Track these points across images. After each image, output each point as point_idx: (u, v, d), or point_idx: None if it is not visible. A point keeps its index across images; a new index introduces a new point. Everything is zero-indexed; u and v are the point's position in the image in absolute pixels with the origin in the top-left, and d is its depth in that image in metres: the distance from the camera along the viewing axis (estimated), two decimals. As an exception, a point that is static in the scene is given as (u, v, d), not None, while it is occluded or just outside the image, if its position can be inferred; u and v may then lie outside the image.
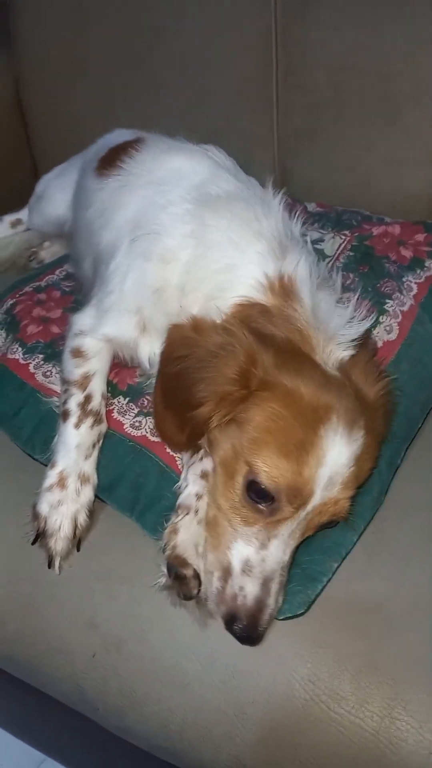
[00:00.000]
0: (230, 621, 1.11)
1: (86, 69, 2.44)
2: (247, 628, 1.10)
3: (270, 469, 1.09)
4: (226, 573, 1.14)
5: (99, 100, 2.45)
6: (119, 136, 1.89)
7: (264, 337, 1.18)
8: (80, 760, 1.87)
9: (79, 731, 1.58)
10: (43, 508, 1.29)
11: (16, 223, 2.28)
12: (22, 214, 2.26)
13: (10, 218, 2.29)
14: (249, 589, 1.11)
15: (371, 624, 1.17)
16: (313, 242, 1.66)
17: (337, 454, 1.10)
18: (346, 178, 2.18)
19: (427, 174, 2.08)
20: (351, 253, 1.70)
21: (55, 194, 2.04)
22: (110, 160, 1.71)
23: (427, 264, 1.67)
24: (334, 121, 2.14)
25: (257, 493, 1.12)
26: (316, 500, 1.11)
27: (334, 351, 1.22)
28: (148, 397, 1.43)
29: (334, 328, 1.24)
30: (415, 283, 1.62)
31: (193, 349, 1.18)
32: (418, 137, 2.05)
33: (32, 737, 1.94)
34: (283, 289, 1.26)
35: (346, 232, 1.77)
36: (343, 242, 1.74)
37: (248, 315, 1.25)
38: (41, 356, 1.56)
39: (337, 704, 1.11)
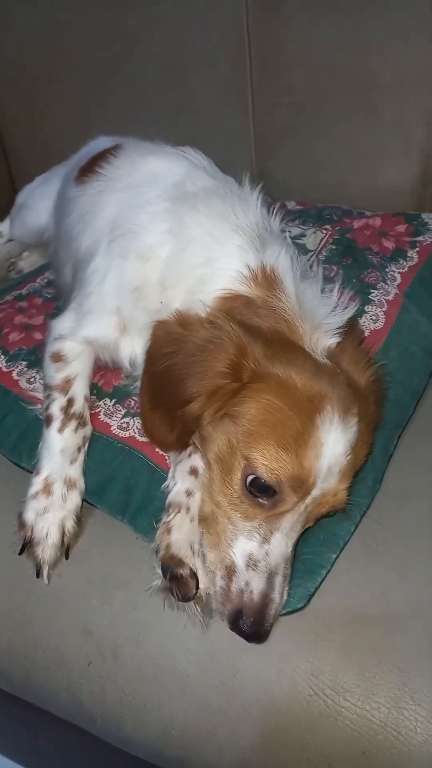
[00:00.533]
0: (236, 619, 1.08)
1: (62, 80, 2.44)
2: (254, 624, 1.07)
3: (269, 462, 1.07)
4: (230, 570, 1.11)
5: (76, 110, 2.45)
6: (101, 143, 1.88)
7: (251, 329, 1.16)
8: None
9: (74, 748, 1.53)
10: (29, 516, 1.26)
11: (-4, 236, 2.27)
12: (2, 227, 2.26)
13: (-11, 230, 2.28)
14: (255, 585, 1.08)
15: (374, 614, 1.14)
16: (295, 238, 1.66)
17: (334, 442, 1.08)
18: (326, 175, 2.18)
19: (407, 166, 2.08)
20: (333, 247, 1.69)
21: (37, 203, 2.03)
22: (89, 168, 1.70)
23: (409, 254, 1.67)
24: (313, 117, 2.14)
25: (258, 487, 1.09)
26: (316, 491, 1.09)
27: (321, 339, 1.20)
28: (134, 398, 1.40)
29: (320, 317, 1.22)
30: (399, 272, 1.62)
31: (180, 345, 1.16)
32: (397, 129, 2.05)
33: (25, 758, 1.88)
34: (266, 279, 1.24)
35: (327, 227, 1.77)
36: (325, 236, 1.73)
37: (232, 307, 1.23)
38: (24, 363, 1.54)
39: (342, 697, 1.08)
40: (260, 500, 1.10)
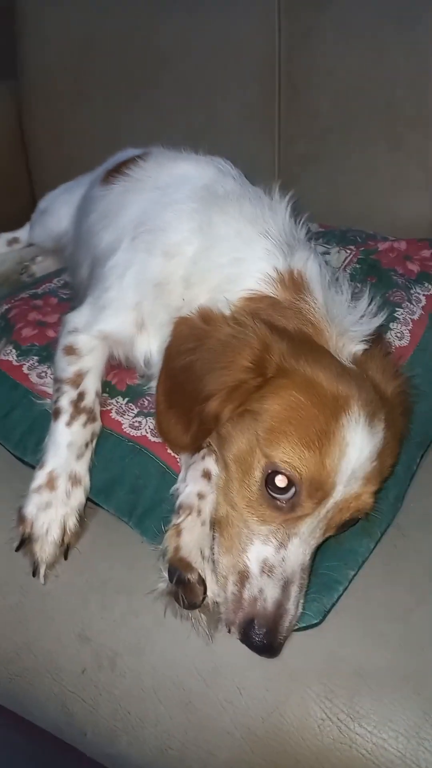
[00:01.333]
0: (247, 629, 1.01)
1: (91, 96, 2.47)
2: (267, 634, 1.00)
3: (291, 460, 1.02)
4: (243, 576, 1.04)
5: (102, 126, 2.48)
6: (129, 153, 1.87)
7: (277, 328, 1.13)
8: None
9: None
10: (30, 510, 1.19)
11: (12, 242, 2.29)
12: (20, 233, 2.27)
13: (7, 236, 2.30)
14: (269, 592, 1.02)
15: (394, 635, 1.07)
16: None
17: (359, 445, 1.03)
18: (349, 202, 2.19)
19: (430, 197, 2.08)
20: (357, 266, 1.67)
21: (60, 209, 2.03)
22: (116, 171, 1.69)
23: (435, 278, 1.64)
24: (338, 146, 2.17)
25: (277, 487, 1.04)
26: (337, 495, 1.03)
27: (348, 345, 1.17)
28: (148, 398, 1.35)
29: (348, 323, 1.18)
30: (424, 295, 1.59)
31: (202, 341, 1.12)
32: (421, 161, 2.07)
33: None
34: (294, 283, 1.21)
35: (352, 247, 1.75)
36: (349, 256, 1.71)
37: (257, 308, 1.20)
38: (36, 358, 1.49)
39: (357, 723, 1.00)
40: (279, 502, 1.05)
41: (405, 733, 0.98)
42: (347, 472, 1.02)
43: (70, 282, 1.82)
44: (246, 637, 1.02)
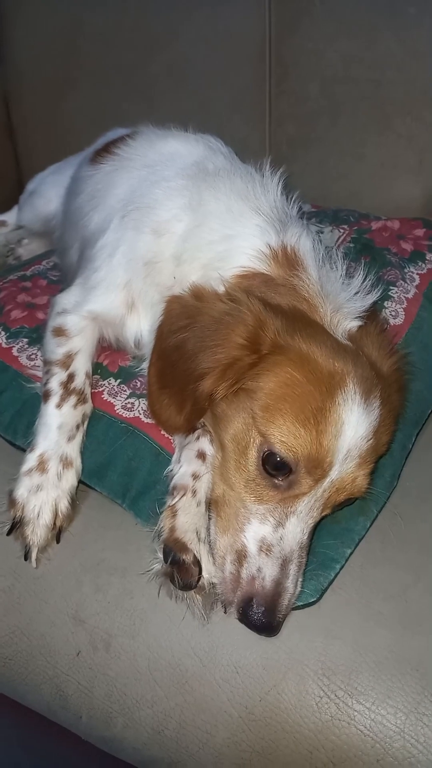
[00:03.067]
0: (246, 608, 1.00)
1: (79, 81, 2.43)
2: (266, 613, 0.99)
3: (287, 438, 1.00)
4: (241, 555, 1.03)
5: (91, 111, 2.43)
6: (118, 133, 1.85)
7: (271, 305, 1.11)
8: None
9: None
10: (21, 493, 1.17)
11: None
12: (7, 216, 2.24)
13: (-7, 219, 2.24)
14: (267, 571, 1.00)
15: (391, 613, 1.06)
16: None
17: (355, 423, 1.02)
18: (339, 186, 2.17)
19: (419, 180, 2.08)
20: (351, 245, 1.65)
21: (49, 190, 1.99)
22: (105, 150, 1.67)
23: (428, 257, 1.64)
24: (328, 129, 2.15)
25: (273, 465, 1.02)
26: (334, 473, 1.02)
27: (342, 321, 1.15)
28: (140, 379, 1.33)
29: (342, 299, 1.17)
30: (417, 274, 1.58)
31: (195, 318, 1.10)
32: (410, 144, 2.06)
33: None
34: (287, 259, 1.20)
35: (345, 227, 1.74)
36: (342, 235, 1.70)
37: (250, 285, 1.18)
38: (26, 340, 1.47)
39: (355, 700, 0.99)
40: (276, 481, 1.03)
41: (404, 708, 0.97)
42: (343, 450, 1.01)
43: (59, 264, 1.79)
44: (245, 616, 1.00)
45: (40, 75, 2.49)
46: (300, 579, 1.04)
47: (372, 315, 1.22)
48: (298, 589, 1.03)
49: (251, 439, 1.06)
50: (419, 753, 0.94)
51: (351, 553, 1.13)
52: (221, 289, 1.15)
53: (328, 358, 1.04)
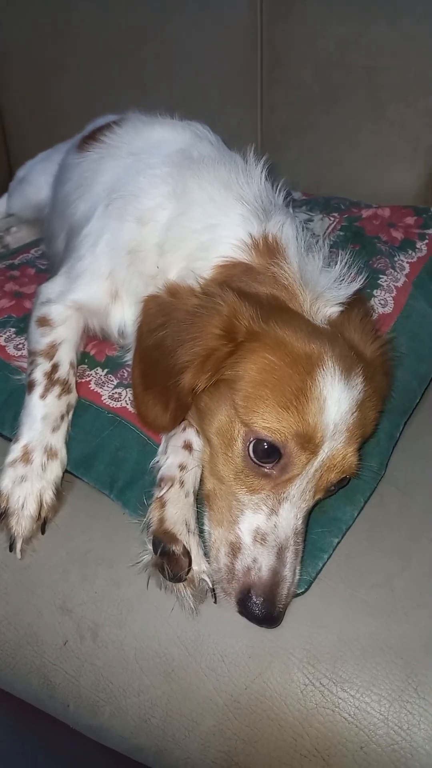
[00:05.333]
0: (244, 600, 1.00)
1: (68, 66, 2.41)
2: (265, 603, 0.98)
3: (270, 424, 1.00)
4: (235, 547, 1.03)
5: (80, 97, 2.41)
6: (105, 120, 1.83)
7: (247, 294, 1.11)
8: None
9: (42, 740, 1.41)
10: (5, 484, 1.16)
11: (-12, 213, 2.21)
12: (-2, 204, 2.19)
13: (-17, 208, 2.22)
14: (263, 560, 1.00)
15: (377, 601, 1.06)
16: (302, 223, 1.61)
17: (338, 398, 1.02)
18: (333, 174, 2.16)
19: (413, 168, 2.07)
20: (341, 233, 1.65)
21: (39, 178, 1.98)
22: (92, 137, 1.65)
23: (418, 245, 1.63)
24: (321, 116, 2.13)
25: (262, 454, 1.02)
26: (325, 450, 1.01)
27: (322, 308, 1.15)
28: (127, 369, 1.32)
29: (322, 287, 1.16)
30: (407, 262, 1.58)
31: (171, 315, 1.10)
32: (404, 131, 2.04)
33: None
34: (268, 247, 1.19)
35: (335, 214, 1.73)
36: (333, 223, 1.69)
37: (231, 275, 1.18)
38: (13, 330, 1.46)
39: (340, 688, 0.99)
40: (265, 470, 1.03)
41: (388, 696, 0.97)
42: (330, 425, 1.01)
43: (47, 253, 1.78)
44: (244, 608, 1.00)
45: (29, 59, 2.47)
46: (298, 567, 1.04)
47: (357, 302, 1.21)
48: (297, 576, 1.03)
49: (236, 431, 1.05)
50: (402, 740, 0.95)
51: (338, 543, 1.13)
52: (196, 284, 1.14)
53: (303, 339, 1.04)
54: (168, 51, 2.26)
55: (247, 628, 1.03)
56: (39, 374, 1.25)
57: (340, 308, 1.15)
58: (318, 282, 1.16)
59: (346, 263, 1.21)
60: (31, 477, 1.17)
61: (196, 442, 1.17)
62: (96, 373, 1.34)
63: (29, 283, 1.60)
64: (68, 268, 1.37)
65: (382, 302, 1.44)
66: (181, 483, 1.13)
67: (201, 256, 1.22)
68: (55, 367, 1.26)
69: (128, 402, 1.28)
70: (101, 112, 2.02)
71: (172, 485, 1.12)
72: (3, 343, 1.42)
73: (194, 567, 1.05)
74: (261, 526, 1.02)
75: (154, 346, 1.11)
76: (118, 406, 1.28)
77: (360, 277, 1.21)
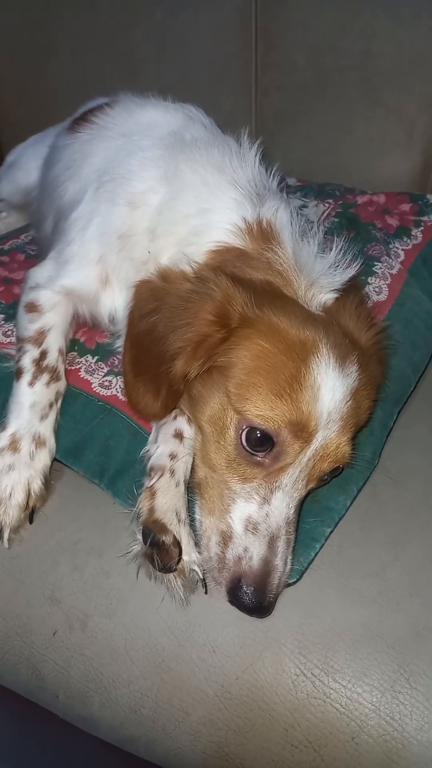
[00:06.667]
0: (235, 589, 0.99)
1: (58, 50, 2.37)
2: (256, 593, 0.97)
3: (263, 411, 0.99)
4: (226, 536, 1.02)
5: (71, 81, 2.37)
6: (97, 102, 1.80)
7: (241, 280, 1.09)
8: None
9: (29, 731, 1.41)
10: None
11: (-24, 197, 2.16)
12: (-13, 189, 2.15)
13: (-28, 193, 2.17)
14: (255, 550, 0.99)
15: (369, 591, 1.05)
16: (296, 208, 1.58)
17: (332, 386, 1.00)
18: (327, 160, 2.13)
19: (408, 154, 2.04)
20: (336, 220, 1.63)
21: (29, 162, 1.94)
22: (83, 119, 1.62)
23: (413, 233, 1.61)
24: (314, 101, 2.10)
25: (255, 442, 1.01)
26: (317, 440, 1.00)
27: (317, 295, 1.13)
28: (118, 356, 1.31)
29: (317, 273, 1.14)
30: (402, 249, 1.56)
31: (163, 300, 1.08)
32: (399, 117, 2.01)
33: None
34: (262, 232, 1.17)
35: (330, 201, 1.71)
36: (327, 209, 1.67)
37: (224, 260, 1.16)
38: (2, 316, 1.44)
39: (331, 678, 0.98)
40: (258, 458, 1.02)
41: (379, 686, 0.97)
42: (324, 414, 0.99)
43: (35, 237, 1.75)
44: (234, 598, 0.99)
45: (18, 43, 2.43)
46: (290, 556, 1.03)
47: (352, 289, 1.19)
48: (288, 566, 1.02)
49: (228, 419, 1.04)
50: (394, 731, 0.94)
51: (331, 532, 1.12)
52: (189, 269, 1.12)
53: (297, 326, 1.02)
54: (160, 34, 2.22)
55: (238, 618, 1.02)
56: (27, 361, 1.23)
57: (335, 295, 1.14)
58: (313, 268, 1.14)
59: (341, 249, 1.19)
60: (19, 466, 1.15)
61: (187, 430, 1.16)
62: (86, 361, 1.32)
63: (18, 269, 1.58)
64: (57, 252, 1.34)
65: (377, 290, 1.42)
66: (172, 472, 1.11)
67: (193, 240, 1.20)
68: (43, 354, 1.24)
69: (119, 390, 1.26)
70: (92, 97, 1.98)
71: (162, 474, 1.11)
72: (-9, 331, 1.40)
73: (184, 557, 1.04)
74: (253, 515, 1.01)
75: (145, 331, 1.09)
76: (109, 394, 1.26)
77: (355, 264, 1.19)
